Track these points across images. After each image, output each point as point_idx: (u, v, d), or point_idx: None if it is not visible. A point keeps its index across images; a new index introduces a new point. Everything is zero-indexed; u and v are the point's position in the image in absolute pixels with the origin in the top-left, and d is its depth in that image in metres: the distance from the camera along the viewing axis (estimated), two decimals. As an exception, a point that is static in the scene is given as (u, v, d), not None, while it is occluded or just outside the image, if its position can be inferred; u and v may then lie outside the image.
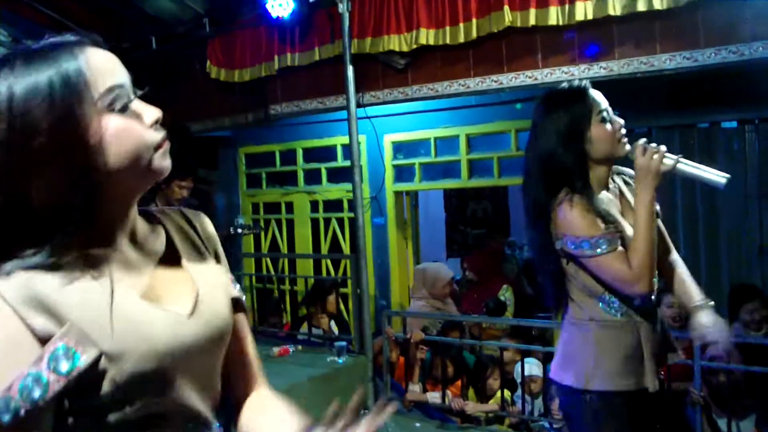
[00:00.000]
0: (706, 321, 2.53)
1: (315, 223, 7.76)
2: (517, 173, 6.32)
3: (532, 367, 5.05)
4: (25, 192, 1.08)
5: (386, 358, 5.50)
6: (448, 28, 5.20)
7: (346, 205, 7.40)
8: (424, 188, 7.19)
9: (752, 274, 5.49)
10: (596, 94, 2.50)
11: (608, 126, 2.47)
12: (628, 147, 2.47)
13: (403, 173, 7.09)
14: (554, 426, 4.74)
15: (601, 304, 2.49)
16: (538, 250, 2.61)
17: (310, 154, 7.70)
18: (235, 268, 7.04)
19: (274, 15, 5.81)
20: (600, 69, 4.79)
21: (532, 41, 5.04)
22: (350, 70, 5.50)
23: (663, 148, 2.41)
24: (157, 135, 1.17)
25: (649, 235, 2.37)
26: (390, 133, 6.97)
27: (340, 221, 7.57)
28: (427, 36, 5.30)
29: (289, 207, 7.94)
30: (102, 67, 1.13)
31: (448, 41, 5.21)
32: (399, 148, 7.04)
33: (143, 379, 1.11)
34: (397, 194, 7.11)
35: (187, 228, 1.36)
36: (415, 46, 5.37)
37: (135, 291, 1.18)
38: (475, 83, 5.36)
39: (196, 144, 7.49)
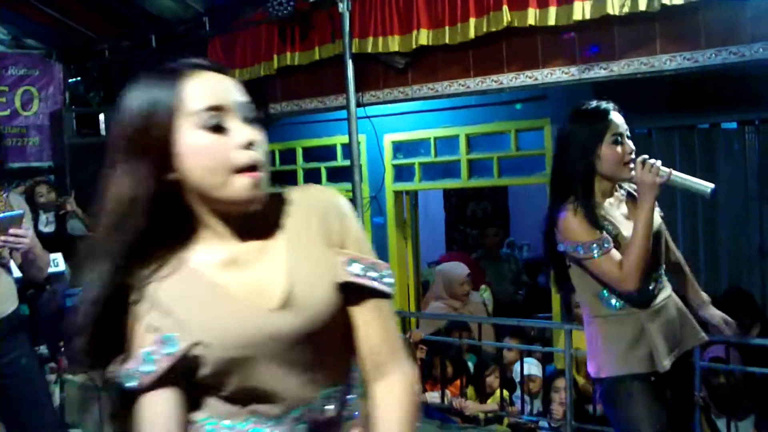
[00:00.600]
0: (718, 313, 3.02)
1: (315, 222, 7.74)
2: (516, 174, 6.43)
3: (531, 366, 5.04)
4: (122, 188, 1.28)
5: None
6: (447, 27, 5.18)
7: (345, 204, 7.39)
8: (424, 188, 7.18)
9: (752, 276, 5.48)
10: (616, 117, 2.76)
11: (618, 148, 2.72)
12: (633, 173, 2.72)
13: (402, 173, 7.08)
14: (552, 426, 4.74)
15: (601, 301, 2.77)
16: (547, 251, 2.91)
17: (310, 154, 7.69)
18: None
19: (274, 14, 5.80)
20: (600, 69, 4.79)
21: (533, 41, 5.03)
22: (350, 70, 5.50)
23: (658, 162, 2.65)
24: (241, 156, 1.26)
25: (644, 242, 2.63)
26: (390, 133, 6.96)
27: (340, 221, 7.55)
28: (426, 36, 5.29)
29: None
30: (200, 90, 1.27)
31: (447, 41, 5.20)
32: (399, 147, 7.03)
33: (230, 364, 1.28)
34: (397, 194, 7.10)
35: (309, 207, 1.40)
36: (414, 47, 5.36)
37: (231, 287, 1.32)
38: (475, 83, 5.36)
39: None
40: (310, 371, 1.35)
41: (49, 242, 5.08)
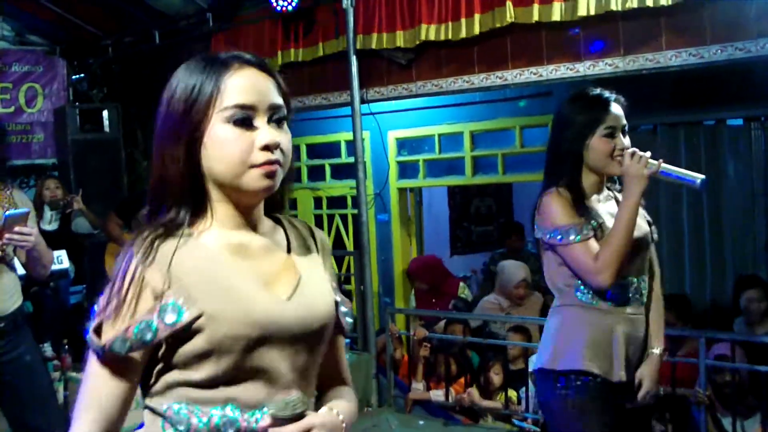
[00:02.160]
0: (647, 374, 2.66)
1: (318, 219, 7.75)
2: (521, 170, 6.41)
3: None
4: (161, 164, 1.38)
5: (389, 355, 5.49)
6: (450, 23, 5.16)
7: (349, 201, 7.39)
8: (428, 185, 7.17)
9: (757, 272, 5.46)
10: (616, 109, 2.61)
11: (610, 142, 2.57)
12: (619, 169, 2.57)
13: (407, 170, 7.07)
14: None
15: (576, 292, 2.60)
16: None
17: (314, 151, 7.69)
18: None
19: (278, 10, 5.78)
20: (605, 66, 4.77)
21: (537, 37, 5.01)
22: (354, 66, 5.48)
23: (648, 154, 2.52)
24: (259, 156, 1.35)
25: (626, 234, 2.48)
26: (394, 130, 6.95)
27: (344, 218, 7.56)
28: (428, 31, 5.27)
29: (293, 203, 7.93)
30: (237, 87, 1.36)
31: (450, 37, 5.17)
32: (403, 144, 7.02)
33: (233, 341, 1.31)
34: (401, 191, 7.09)
35: (306, 235, 1.57)
36: (418, 42, 5.34)
37: (246, 272, 1.38)
38: (479, 79, 5.34)
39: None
40: (297, 372, 1.41)
41: (53, 239, 5.08)
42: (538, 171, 6.40)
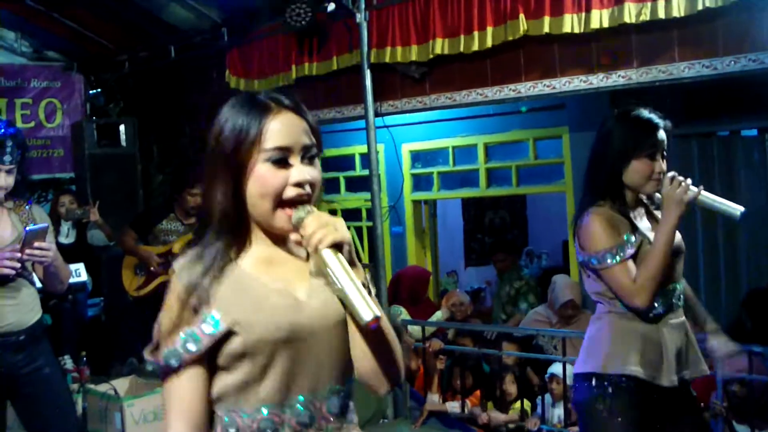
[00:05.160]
0: (727, 345, 2.85)
1: (333, 232, 7.75)
2: (535, 182, 6.42)
3: (555, 365, 4.94)
4: (211, 194, 1.58)
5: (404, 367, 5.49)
6: (462, 36, 5.17)
7: (364, 214, 7.41)
8: (442, 197, 7.19)
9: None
10: (661, 135, 2.68)
11: (651, 164, 2.64)
12: (657, 195, 2.68)
13: (421, 182, 7.09)
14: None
15: (620, 302, 2.66)
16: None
17: (329, 164, 7.72)
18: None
19: (292, 25, 5.81)
20: (618, 78, 4.77)
21: (550, 50, 5.02)
22: (368, 80, 5.51)
23: (688, 180, 2.60)
24: (291, 192, 1.55)
25: (663, 258, 2.57)
26: (408, 143, 6.97)
27: (359, 230, 7.58)
28: (442, 45, 5.29)
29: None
30: (275, 131, 1.56)
31: (462, 50, 5.18)
32: (417, 157, 7.04)
33: (264, 344, 1.52)
34: (416, 203, 7.11)
35: None
36: (431, 56, 5.36)
37: (271, 281, 1.59)
38: (493, 92, 5.35)
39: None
40: (323, 363, 1.59)
41: (70, 253, 5.13)
42: (551, 183, 6.45)
